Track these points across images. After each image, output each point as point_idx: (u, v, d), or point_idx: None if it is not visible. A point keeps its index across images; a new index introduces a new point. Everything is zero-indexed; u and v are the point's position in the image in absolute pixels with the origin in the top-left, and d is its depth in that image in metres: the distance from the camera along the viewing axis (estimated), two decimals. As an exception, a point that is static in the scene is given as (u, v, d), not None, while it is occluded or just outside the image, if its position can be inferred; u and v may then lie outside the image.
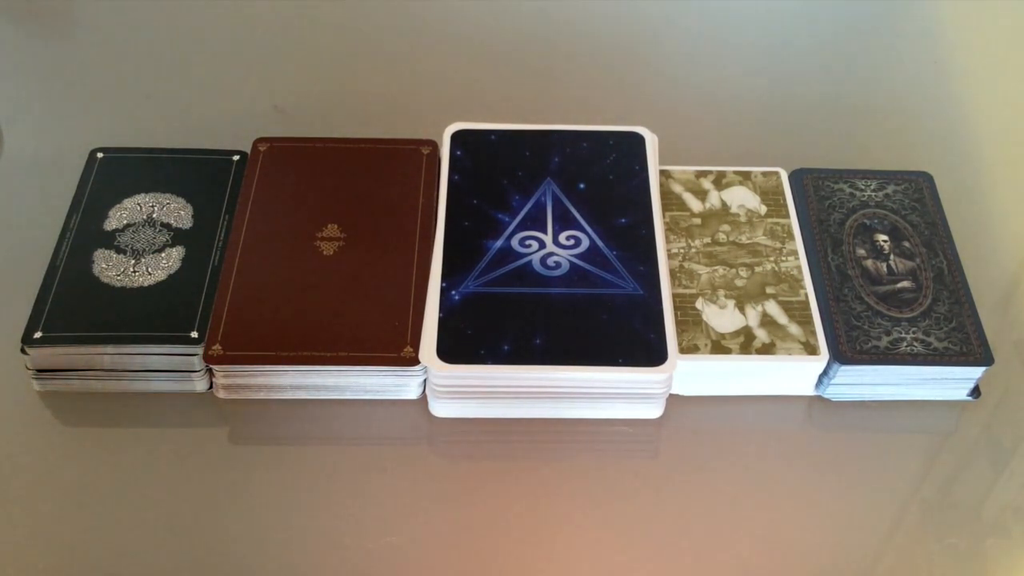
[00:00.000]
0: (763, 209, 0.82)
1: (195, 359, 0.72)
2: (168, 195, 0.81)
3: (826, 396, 0.75)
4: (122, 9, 1.01)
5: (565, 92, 0.96)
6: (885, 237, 0.80)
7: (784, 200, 0.82)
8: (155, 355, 0.72)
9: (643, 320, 0.73)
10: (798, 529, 0.70)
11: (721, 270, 0.78)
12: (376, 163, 0.83)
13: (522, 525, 0.69)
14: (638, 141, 0.84)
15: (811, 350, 0.73)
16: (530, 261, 0.76)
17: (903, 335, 0.74)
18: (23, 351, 0.72)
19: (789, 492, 0.71)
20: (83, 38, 0.99)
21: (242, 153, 0.84)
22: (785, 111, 0.95)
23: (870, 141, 0.93)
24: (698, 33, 1.03)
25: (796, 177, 0.84)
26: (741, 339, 0.74)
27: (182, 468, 0.71)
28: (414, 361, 0.71)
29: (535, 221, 0.79)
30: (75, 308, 0.73)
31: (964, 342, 0.74)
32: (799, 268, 0.78)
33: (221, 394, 0.74)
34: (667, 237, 0.79)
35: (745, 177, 0.84)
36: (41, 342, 0.72)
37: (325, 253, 0.77)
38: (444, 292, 0.74)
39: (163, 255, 0.77)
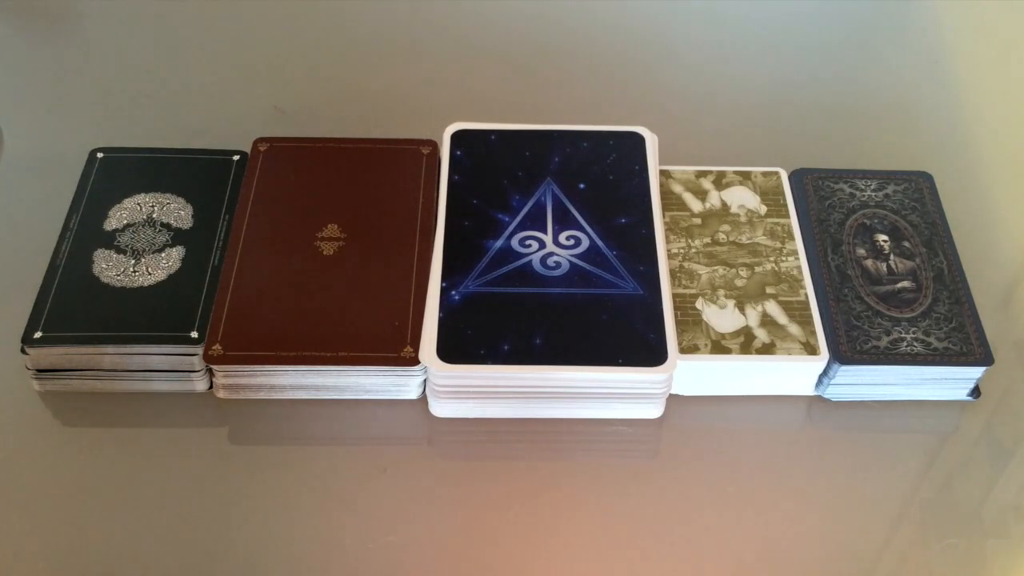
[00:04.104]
0: (763, 209, 0.82)
1: (195, 359, 0.72)
2: (168, 195, 0.81)
3: (826, 396, 0.75)
4: (122, 9, 1.01)
5: (565, 92, 0.96)
6: (885, 237, 0.80)
7: (784, 200, 0.82)
8: (155, 355, 0.72)
9: (643, 320, 0.73)
10: (798, 529, 0.69)
11: (721, 270, 0.78)
12: (376, 163, 0.83)
13: (522, 525, 0.69)
14: (638, 141, 0.84)
15: (811, 350, 0.73)
16: (530, 261, 0.76)
17: (903, 335, 0.74)
18: (23, 351, 0.72)
19: (789, 492, 0.71)
20: (83, 38, 0.99)
21: (242, 153, 0.84)
22: (785, 111, 0.95)
23: (870, 141, 0.93)
24: (698, 33, 1.03)
25: (796, 177, 0.84)
26: (741, 339, 0.74)
27: (182, 468, 0.71)
28: (414, 361, 0.71)
29: (535, 221, 0.79)
30: (75, 308, 0.73)
31: (964, 342, 0.74)
32: (799, 268, 0.78)
33: (221, 394, 0.74)
34: (667, 237, 0.79)
35: (745, 177, 0.84)
36: (41, 342, 0.72)
37: (325, 253, 0.77)
38: (444, 292, 0.74)
39: (163, 255, 0.77)
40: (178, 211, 0.80)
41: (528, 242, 0.77)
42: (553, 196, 0.80)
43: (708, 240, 0.79)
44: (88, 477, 0.70)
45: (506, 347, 0.71)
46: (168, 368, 0.73)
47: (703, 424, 0.74)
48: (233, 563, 0.67)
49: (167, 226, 0.79)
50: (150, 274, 0.76)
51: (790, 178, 0.84)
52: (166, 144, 0.85)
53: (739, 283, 0.77)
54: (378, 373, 0.72)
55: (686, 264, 0.78)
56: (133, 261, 0.76)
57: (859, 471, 0.72)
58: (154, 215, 0.79)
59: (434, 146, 0.84)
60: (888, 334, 0.74)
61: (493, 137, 0.84)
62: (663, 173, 0.83)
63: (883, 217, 0.81)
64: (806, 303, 0.76)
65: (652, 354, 0.71)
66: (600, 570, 0.67)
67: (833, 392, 0.75)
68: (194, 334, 0.72)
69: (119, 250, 0.77)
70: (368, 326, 0.73)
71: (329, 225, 0.79)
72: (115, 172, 0.82)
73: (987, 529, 0.70)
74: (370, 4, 1.03)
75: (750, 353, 0.73)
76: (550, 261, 0.76)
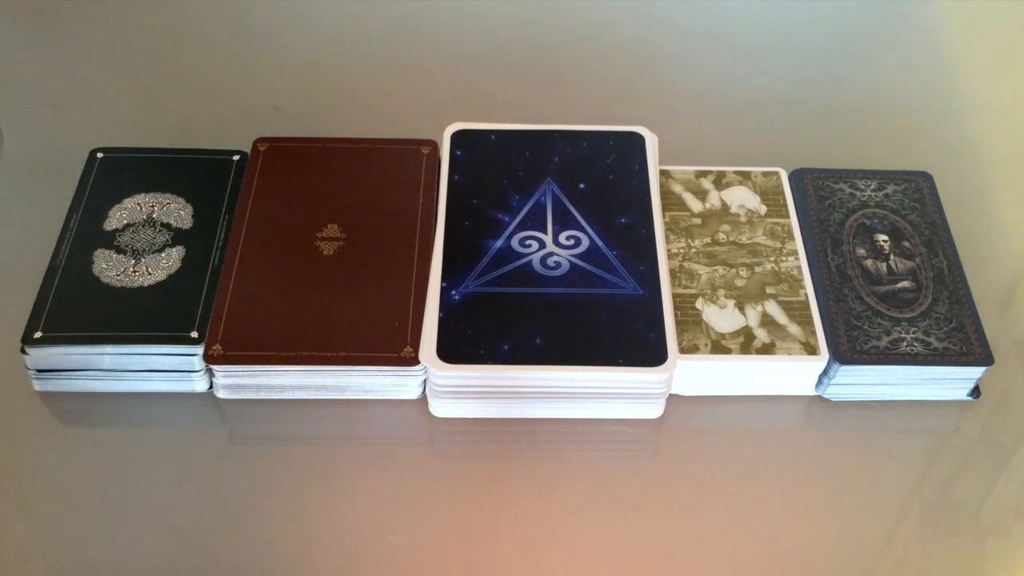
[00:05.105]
0: (763, 209, 0.82)
1: (195, 359, 0.72)
2: (168, 195, 0.81)
3: (826, 396, 0.75)
4: (122, 9, 1.01)
5: (565, 92, 0.96)
6: (885, 237, 0.80)
7: (784, 200, 0.82)
8: (155, 355, 0.72)
9: (643, 320, 0.73)
10: (798, 529, 0.69)
11: (721, 270, 0.78)
12: (376, 163, 0.83)
13: (522, 525, 0.69)
14: (638, 141, 0.84)
15: (811, 350, 0.73)
16: (530, 261, 0.76)
17: (903, 335, 0.74)
18: (23, 351, 0.72)
19: (789, 492, 0.71)
20: (83, 38, 0.99)
21: (242, 153, 0.84)
22: (785, 111, 0.95)
23: (870, 141, 0.93)
24: (698, 33, 1.03)
25: (796, 177, 0.84)
26: (741, 339, 0.74)
27: (182, 468, 0.71)
28: (414, 361, 0.71)
29: (535, 221, 0.79)
30: (75, 308, 0.73)
31: (964, 342, 0.74)
32: (799, 268, 0.78)
33: (221, 394, 0.74)
34: (667, 237, 0.79)
35: (745, 177, 0.84)
36: (41, 342, 0.72)
37: (325, 253, 0.77)
38: (444, 292, 0.74)
39: (163, 255, 0.77)
40: (178, 211, 0.80)
41: (528, 242, 0.77)
42: (553, 196, 0.80)
43: (708, 240, 0.79)
44: (88, 477, 0.70)
45: (506, 347, 0.71)
46: (168, 368, 0.73)
47: (703, 424, 0.74)
48: (233, 563, 0.67)
49: (167, 226, 0.79)
50: (150, 274, 0.76)
51: (790, 178, 0.84)
52: (166, 144, 0.85)
53: (739, 283, 0.77)
54: (378, 373, 0.72)
55: (686, 264, 0.78)
56: (133, 261, 0.76)
57: (859, 471, 0.72)
58: (154, 215, 0.79)
59: (434, 146, 0.84)
60: (888, 334, 0.74)
61: (493, 137, 0.84)
62: (663, 173, 0.83)
63: (883, 217, 0.81)
64: (806, 303, 0.76)
65: (652, 354, 0.71)
66: (600, 570, 0.67)
67: (833, 392, 0.75)
68: (194, 334, 0.72)
69: (119, 250, 0.77)
70: (368, 326, 0.73)
71: (329, 225, 0.79)
72: (115, 172, 0.82)
73: (987, 529, 0.70)
74: (370, 4, 1.03)
75: (750, 353, 0.73)
76: (550, 261, 0.76)
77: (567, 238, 0.78)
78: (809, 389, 0.75)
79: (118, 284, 0.75)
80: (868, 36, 1.04)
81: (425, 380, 0.73)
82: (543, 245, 0.77)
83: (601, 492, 0.71)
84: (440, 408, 0.73)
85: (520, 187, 0.81)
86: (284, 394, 0.74)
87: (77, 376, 0.73)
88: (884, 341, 0.74)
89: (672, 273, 0.77)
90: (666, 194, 0.82)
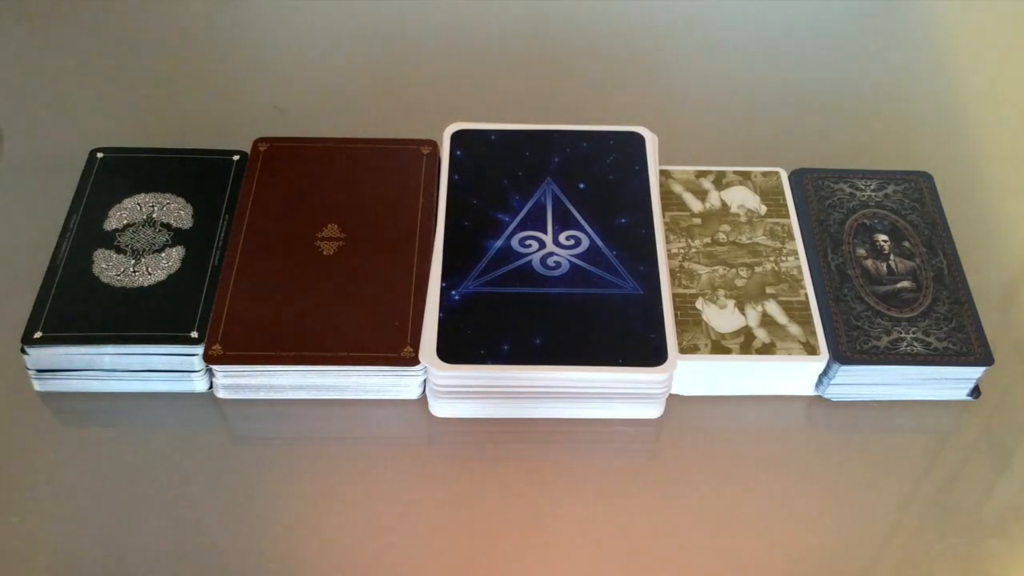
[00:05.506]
0: (763, 209, 0.82)
1: (195, 359, 0.72)
2: (168, 195, 0.81)
3: (826, 396, 0.75)
4: (122, 9, 1.01)
5: (565, 92, 0.96)
6: (885, 237, 0.80)
7: (784, 200, 0.82)
8: (155, 355, 0.72)
9: (643, 320, 0.73)
10: (798, 529, 0.69)
11: (721, 270, 0.78)
12: (376, 163, 0.83)
13: (522, 525, 0.69)
14: (638, 141, 0.84)
15: (811, 350, 0.73)
16: (530, 261, 0.76)
17: (903, 335, 0.74)
18: (23, 351, 0.72)
19: (789, 492, 0.71)
20: (83, 38, 0.99)
21: (242, 153, 0.84)
22: (785, 111, 0.95)
23: (870, 141, 0.93)
24: (698, 33, 1.03)
25: (796, 177, 0.84)
26: (741, 339, 0.74)
27: (182, 468, 0.71)
28: (414, 361, 0.71)
29: (535, 221, 0.79)
30: (75, 308, 0.73)
31: (964, 342, 0.74)
32: (799, 268, 0.78)
33: (221, 394, 0.74)
34: (667, 237, 0.79)
35: (745, 177, 0.84)
36: (41, 342, 0.72)
37: (325, 253, 0.77)
38: (444, 292, 0.74)
39: (163, 255, 0.77)
40: (178, 211, 0.80)
41: (528, 242, 0.77)
42: (553, 196, 0.80)
43: (708, 240, 0.79)
44: (88, 477, 0.70)
45: (506, 347, 0.71)
46: (168, 368, 0.73)
47: (703, 424, 0.74)
48: (233, 563, 0.67)
49: (167, 226, 0.79)
50: (150, 274, 0.76)
51: (790, 178, 0.84)
52: (166, 144, 0.85)
53: (739, 283, 0.77)
54: (378, 373, 0.72)
55: (686, 264, 0.78)
56: (133, 261, 0.76)
57: (859, 471, 0.72)
58: (154, 215, 0.79)
59: (434, 146, 0.84)
60: (888, 334, 0.74)
61: (493, 137, 0.84)
62: (663, 173, 0.83)
63: (883, 217, 0.81)
64: (806, 303, 0.76)
65: (652, 354, 0.71)
66: (600, 570, 0.67)
67: (833, 392, 0.75)
68: (194, 334, 0.72)
69: (119, 250, 0.77)
70: (368, 326, 0.73)
71: (329, 225, 0.79)
72: (115, 172, 0.82)
73: (987, 529, 0.70)
74: (370, 4, 1.03)
75: (750, 353, 0.73)
76: (550, 261, 0.76)
77: (567, 238, 0.78)
78: (809, 389, 0.75)
79: (118, 284, 0.75)
80: (868, 36, 1.04)
81: (425, 380, 0.73)
82: (543, 245, 0.77)
83: (601, 492, 0.71)
84: (440, 408, 0.73)
85: (520, 187, 0.81)
86: (284, 394, 0.74)
87: (77, 376, 0.73)
88: (884, 341, 0.74)
89: (672, 273, 0.77)
90: (666, 194, 0.82)
